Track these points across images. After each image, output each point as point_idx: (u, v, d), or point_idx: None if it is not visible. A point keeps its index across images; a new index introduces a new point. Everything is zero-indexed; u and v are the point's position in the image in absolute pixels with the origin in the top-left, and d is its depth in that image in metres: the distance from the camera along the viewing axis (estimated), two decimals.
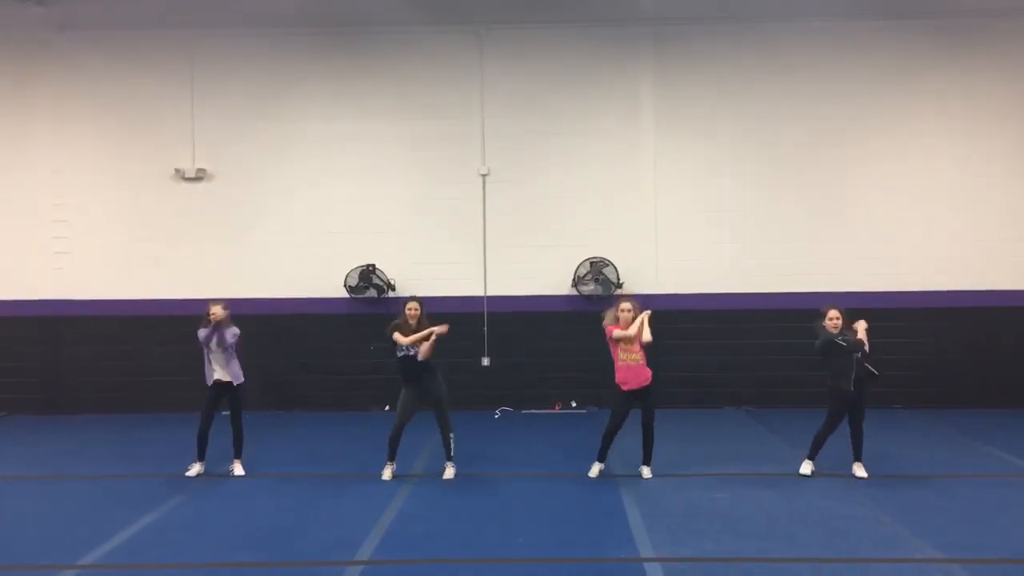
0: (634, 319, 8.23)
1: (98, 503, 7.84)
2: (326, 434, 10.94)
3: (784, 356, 12.16)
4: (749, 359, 12.23)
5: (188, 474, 8.61)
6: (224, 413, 8.75)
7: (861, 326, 8.22)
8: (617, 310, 8.32)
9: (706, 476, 8.50)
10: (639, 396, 8.28)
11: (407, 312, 8.37)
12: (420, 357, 8.24)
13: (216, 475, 8.68)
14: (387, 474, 8.45)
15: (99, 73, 12.59)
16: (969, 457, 9.39)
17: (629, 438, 8.59)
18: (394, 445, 8.48)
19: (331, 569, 6.04)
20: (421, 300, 8.48)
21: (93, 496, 8.09)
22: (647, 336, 8.20)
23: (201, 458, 8.68)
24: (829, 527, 6.87)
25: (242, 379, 8.68)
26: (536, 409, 12.30)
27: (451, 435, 8.52)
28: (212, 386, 8.59)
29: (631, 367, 8.23)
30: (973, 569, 5.91)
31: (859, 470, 8.36)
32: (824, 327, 8.26)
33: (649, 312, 8.34)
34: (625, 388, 8.26)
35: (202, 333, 8.50)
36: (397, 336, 8.26)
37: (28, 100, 12.58)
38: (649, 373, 8.27)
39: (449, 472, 8.50)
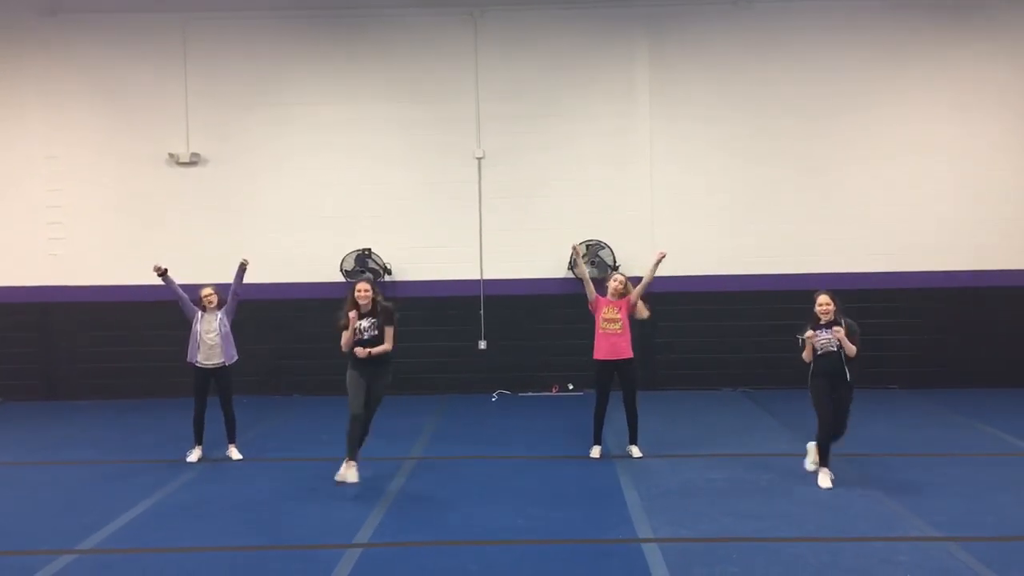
0: (622, 295, 8.37)
1: (97, 488, 7.85)
2: (322, 418, 10.95)
3: (781, 337, 12.03)
4: (746, 340, 12.24)
5: (188, 459, 8.62)
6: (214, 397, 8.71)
7: (838, 332, 7.44)
8: (608, 282, 8.51)
9: (703, 456, 8.54)
10: (617, 369, 8.33)
11: (357, 294, 7.67)
12: (361, 355, 7.55)
13: (215, 459, 8.70)
14: (352, 475, 7.58)
15: (91, 57, 12.49)
16: (965, 436, 9.44)
17: (623, 419, 8.60)
18: (355, 436, 7.66)
19: (330, 552, 6.06)
20: (373, 282, 7.92)
21: (92, 481, 8.09)
22: (649, 277, 8.41)
23: (199, 442, 8.70)
24: (827, 506, 6.91)
25: (236, 357, 8.71)
26: (533, 392, 12.32)
27: (367, 437, 7.83)
28: (199, 372, 8.58)
29: (609, 336, 8.30)
30: (970, 547, 5.94)
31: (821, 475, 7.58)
32: (814, 313, 7.65)
33: (663, 253, 8.53)
34: (597, 357, 8.33)
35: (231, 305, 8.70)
36: (344, 339, 7.67)
37: (19, 85, 12.48)
38: (627, 348, 8.32)
39: (352, 474, 7.62)
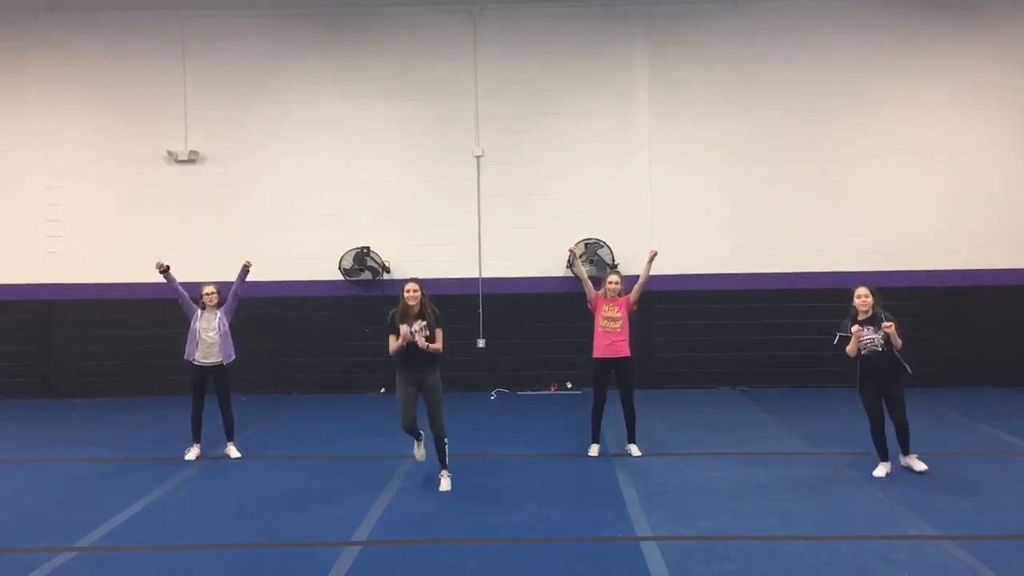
0: (620, 293, 8.38)
1: (95, 486, 7.84)
2: (322, 416, 10.94)
3: (779, 336, 12.19)
4: (744, 339, 12.25)
5: (187, 457, 8.62)
6: (213, 396, 8.70)
7: (889, 328, 7.41)
8: (606, 282, 8.45)
9: (702, 455, 8.54)
10: (614, 367, 8.36)
11: (406, 295, 7.48)
12: (421, 346, 7.33)
13: (213, 457, 8.70)
14: (420, 453, 7.80)
15: (90, 54, 12.48)
16: (962, 434, 9.44)
17: (622, 418, 8.60)
18: (412, 432, 7.67)
19: (328, 550, 6.06)
20: (421, 281, 7.64)
21: (90, 479, 8.09)
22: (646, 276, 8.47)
23: (197, 440, 8.69)
24: (824, 504, 6.91)
25: (233, 356, 8.71)
26: (532, 390, 12.32)
27: (445, 440, 7.50)
28: (197, 370, 8.59)
29: (608, 334, 8.33)
30: (966, 545, 5.95)
31: (914, 463, 7.68)
32: (853, 307, 7.63)
33: (654, 251, 8.65)
34: (595, 355, 8.38)
35: (229, 304, 8.70)
36: (392, 344, 7.42)
37: (18, 82, 12.48)
38: (625, 347, 8.36)
39: (445, 483, 7.49)
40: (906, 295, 12.05)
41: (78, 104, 12.50)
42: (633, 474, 7.84)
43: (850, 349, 7.60)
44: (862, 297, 7.56)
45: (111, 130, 12.49)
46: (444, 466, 7.58)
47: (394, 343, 7.41)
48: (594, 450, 8.53)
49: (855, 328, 7.50)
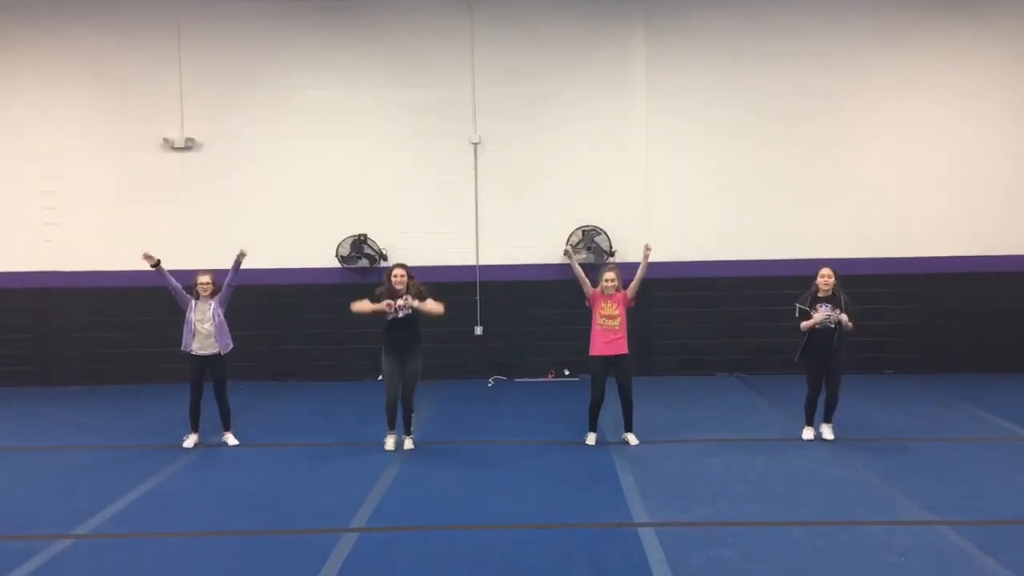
0: (616, 289, 8.33)
1: (93, 473, 7.85)
2: (319, 404, 10.94)
3: (775, 322, 12.14)
4: (741, 326, 12.26)
5: (185, 445, 8.62)
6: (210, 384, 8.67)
7: (842, 317, 8.09)
8: (602, 280, 8.40)
9: (699, 442, 8.56)
10: (612, 363, 8.36)
11: (392, 279, 8.17)
12: (423, 311, 8.11)
13: (211, 445, 8.70)
14: (390, 443, 8.40)
15: (85, 41, 12.38)
16: (958, 420, 9.47)
17: (619, 406, 8.61)
18: (391, 414, 8.40)
19: (326, 536, 6.07)
20: (407, 267, 8.33)
21: (88, 467, 8.09)
22: (642, 273, 8.41)
23: (195, 428, 8.70)
24: (822, 490, 6.93)
25: (231, 346, 8.69)
26: (529, 378, 12.33)
27: (412, 415, 8.44)
28: (195, 360, 8.56)
29: (607, 332, 8.32)
30: (962, 530, 5.97)
31: (826, 431, 8.44)
32: (816, 284, 8.29)
33: (649, 246, 8.59)
34: (593, 353, 8.38)
35: (223, 295, 8.67)
36: (360, 304, 8.16)
37: (13, 69, 12.38)
38: (624, 344, 8.35)
39: (408, 443, 8.42)
40: (906, 282, 12.10)
41: (73, 91, 12.41)
42: (630, 461, 7.86)
43: (806, 325, 8.22)
44: (825, 277, 8.21)
45: (107, 117, 12.42)
46: (409, 433, 8.45)
47: (361, 305, 8.12)
48: (591, 438, 8.54)
49: (821, 310, 8.11)
